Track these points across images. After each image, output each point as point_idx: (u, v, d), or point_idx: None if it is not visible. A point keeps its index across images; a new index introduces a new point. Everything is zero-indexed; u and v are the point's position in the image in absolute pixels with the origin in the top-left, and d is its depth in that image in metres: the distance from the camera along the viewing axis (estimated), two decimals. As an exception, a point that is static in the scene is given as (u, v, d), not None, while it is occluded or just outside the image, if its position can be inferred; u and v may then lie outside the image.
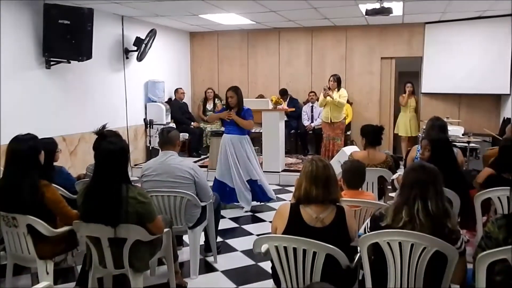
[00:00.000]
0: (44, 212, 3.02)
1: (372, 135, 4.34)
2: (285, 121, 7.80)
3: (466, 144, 5.66)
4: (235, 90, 5.59)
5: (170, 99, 9.03)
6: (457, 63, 8.13)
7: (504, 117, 7.69)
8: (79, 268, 3.39)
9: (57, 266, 3.28)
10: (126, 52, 7.69)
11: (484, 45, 7.92)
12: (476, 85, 8.01)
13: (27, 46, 5.69)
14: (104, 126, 3.08)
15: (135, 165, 7.81)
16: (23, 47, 5.64)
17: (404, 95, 8.29)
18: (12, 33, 5.44)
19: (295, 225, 2.47)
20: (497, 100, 8.23)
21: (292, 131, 9.02)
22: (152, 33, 7.73)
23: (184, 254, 4.21)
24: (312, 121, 8.80)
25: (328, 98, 7.15)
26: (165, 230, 3.11)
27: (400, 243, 2.24)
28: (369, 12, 6.06)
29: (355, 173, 3.39)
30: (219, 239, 4.48)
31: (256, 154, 5.85)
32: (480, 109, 8.42)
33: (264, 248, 2.48)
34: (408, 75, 9.06)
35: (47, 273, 3.07)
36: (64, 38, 5.65)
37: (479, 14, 7.62)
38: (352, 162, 3.53)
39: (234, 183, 5.57)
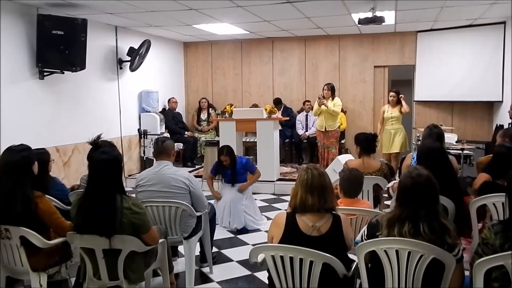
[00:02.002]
0: (37, 223, 2.97)
1: (365, 143, 4.35)
2: (280, 130, 7.81)
3: (460, 151, 5.69)
4: (229, 153, 5.26)
5: (164, 109, 9.02)
6: (449, 71, 8.21)
7: (496, 124, 7.74)
8: (73, 280, 3.34)
9: (51, 278, 3.22)
10: (120, 62, 7.69)
11: (475, 52, 8.01)
12: (469, 93, 8.08)
13: (20, 57, 5.67)
14: (99, 137, 3.06)
15: (129, 175, 7.76)
16: (17, 58, 5.62)
17: (386, 105, 7.45)
18: (5, 44, 5.42)
19: (292, 234, 2.45)
20: (489, 107, 8.30)
21: (287, 140, 9.03)
22: (146, 43, 7.74)
23: (179, 265, 4.19)
24: (307, 130, 8.82)
25: (323, 106, 7.18)
26: (160, 240, 3.08)
27: (397, 251, 2.24)
28: (361, 21, 6.12)
29: (353, 182, 3.39)
30: (214, 249, 4.46)
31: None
32: (472, 116, 8.49)
33: (260, 257, 2.46)
34: (401, 83, 9.12)
35: (41, 286, 3.03)
36: (58, 49, 5.65)
37: (470, 23, 7.72)
38: (350, 171, 3.49)
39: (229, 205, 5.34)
